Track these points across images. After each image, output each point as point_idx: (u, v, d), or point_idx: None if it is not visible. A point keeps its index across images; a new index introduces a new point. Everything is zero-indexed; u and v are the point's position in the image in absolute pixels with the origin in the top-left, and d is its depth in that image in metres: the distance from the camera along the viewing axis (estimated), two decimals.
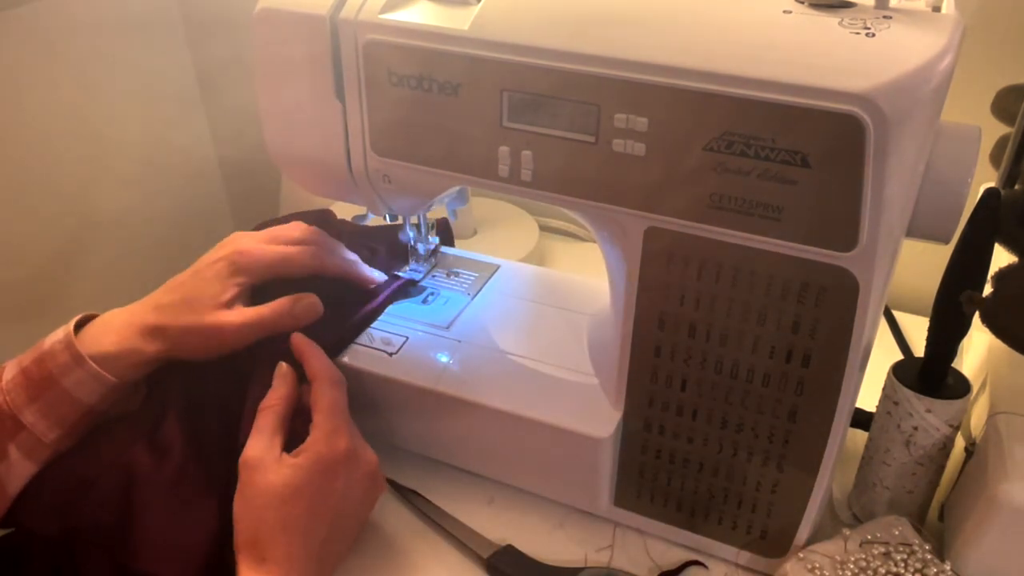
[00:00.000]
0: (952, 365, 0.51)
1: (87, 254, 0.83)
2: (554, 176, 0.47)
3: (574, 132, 0.44)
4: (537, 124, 0.45)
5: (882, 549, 0.49)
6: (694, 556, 0.56)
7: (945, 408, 0.50)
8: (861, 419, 0.56)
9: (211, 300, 0.54)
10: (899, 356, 0.62)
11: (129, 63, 0.84)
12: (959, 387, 0.51)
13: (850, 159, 0.39)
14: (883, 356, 0.54)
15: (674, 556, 0.56)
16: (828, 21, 0.40)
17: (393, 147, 0.50)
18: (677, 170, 0.43)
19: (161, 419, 0.54)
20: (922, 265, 0.59)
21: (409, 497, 0.60)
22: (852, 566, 0.49)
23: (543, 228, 0.89)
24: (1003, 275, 0.47)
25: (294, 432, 0.52)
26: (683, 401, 0.51)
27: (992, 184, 0.50)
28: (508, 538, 0.56)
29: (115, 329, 0.54)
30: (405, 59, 0.47)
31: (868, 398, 0.52)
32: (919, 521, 0.53)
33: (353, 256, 0.63)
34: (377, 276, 0.63)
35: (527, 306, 0.64)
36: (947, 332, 0.50)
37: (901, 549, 0.49)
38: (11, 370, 0.52)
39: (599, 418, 0.53)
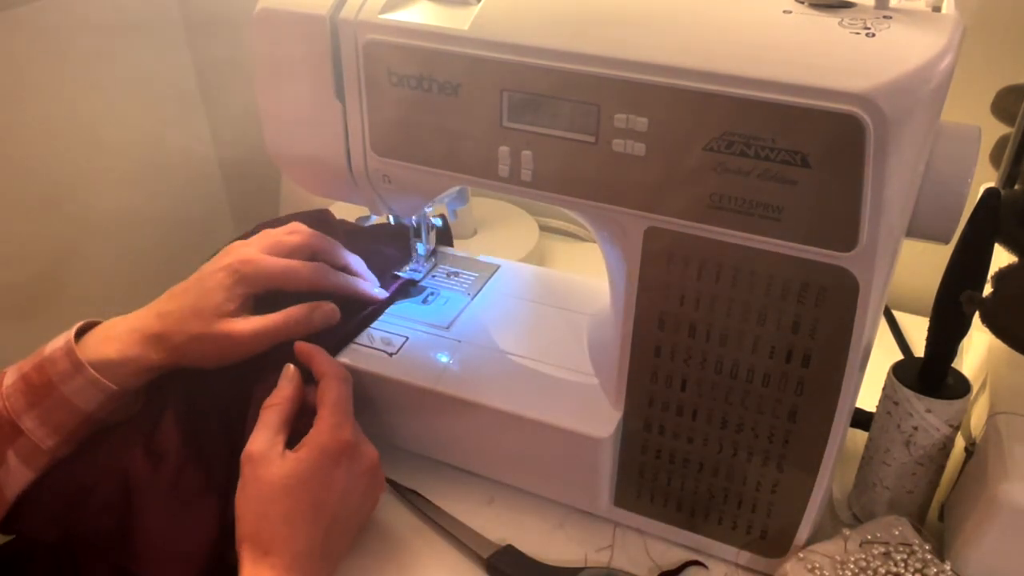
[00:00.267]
0: (952, 365, 0.51)
1: (87, 254, 0.83)
2: (554, 176, 0.47)
3: (574, 132, 0.44)
4: (537, 124, 0.45)
5: (882, 549, 0.49)
6: (694, 556, 0.56)
7: (945, 408, 0.50)
8: (861, 419, 0.56)
9: (216, 309, 0.54)
10: (899, 356, 0.62)
11: (129, 63, 0.84)
12: (959, 387, 0.51)
13: (850, 159, 0.39)
14: (883, 356, 0.54)
15: (674, 556, 0.56)
16: (828, 21, 0.40)
17: (393, 147, 0.50)
18: (677, 170, 0.43)
19: (158, 423, 0.54)
20: (922, 265, 0.59)
21: (409, 497, 0.60)
22: (852, 566, 0.49)
23: (543, 228, 0.89)
24: (1003, 275, 0.47)
25: (297, 432, 0.52)
26: (683, 401, 0.51)
27: (992, 184, 0.50)
28: (508, 538, 0.56)
29: (117, 336, 0.54)
30: (405, 59, 0.47)
31: (868, 398, 0.52)
32: (919, 521, 0.53)
33: (357, 266, 0.63)
34: (378, 294, 0.63)
35: (527, 306, 0.64)
36: (947, 332, 0.50)
37: (901, 549, 0.49)
38: (11, 375, 0.52)
39: (599, 418, 0.53)
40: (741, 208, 0.42)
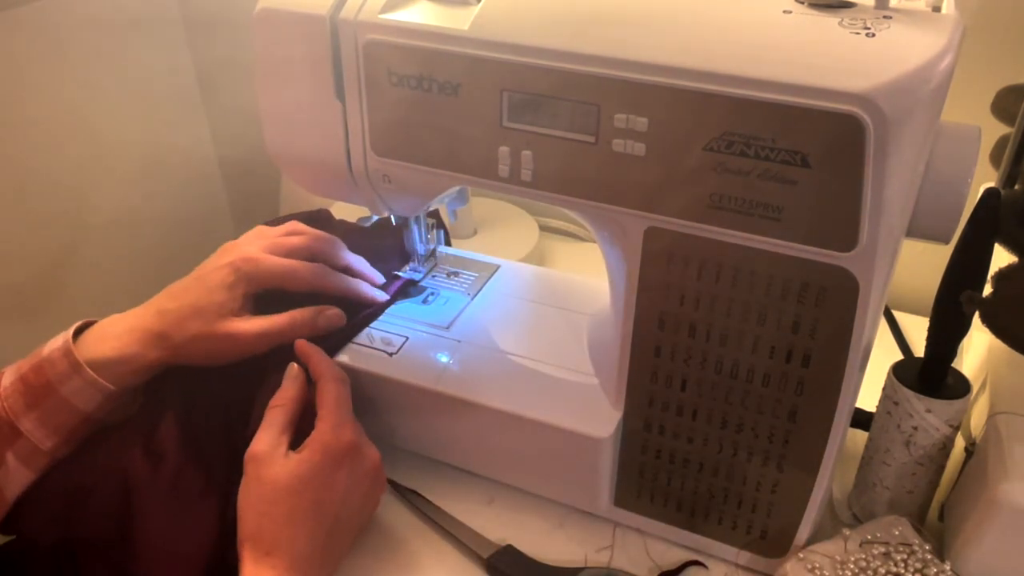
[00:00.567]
0: (952, 365, 0.51)
1: (86, 254, 0.83)
2: (554, 176, 0.47)
3: (574, 132, 0.44)
4: (537, 124, 0.45)
5: (882, 549, 0.49)
6: (694, 556, 0.56)
7: (945, 408, 0.50)
8: (861, 419, 0.56)
9: (219, 308, 0.54)
10: (899, 356, 0.62)
11: (129, 63, 0.84)
12: (959, 387, 0.51)
13: (850, 159, 0.39)
14: (883, 356, 0.54)
15: (674, 556, 0.56)
16: (828, 21, 0.40)
17: (393, 147, 0.50)
18: (677, 170, 0.43)
19: (158, 423, 0.54)
20: (922, 265, 0.59)
21: (409, 497, 0.60)
22: (852, 566, 0.49)
23: (543, 228, 0.89)
24: (1003, 275, 0.47)
25: (300, 432, 0.52)
26: (683, 401, 0.51)
27: (992, 184, 0.50)
28: (508, 538, 0.56)
29: (115, 335, 0.53)
30: (405, 59, 0.47)
31: (868, 398, 0.52)
32: (919, 521, 0.53)
33: (359, 266, 0.63)
34: (378, 295, 0.63)
35: (527, 306, 0.64)
36: (947, 332, 0.50)
37: (901, 549, 0.49)
38: (9, 376, 0.52)
39: (599, 418, 0.53)
40: (741, 208, 0.42)
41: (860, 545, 0.50)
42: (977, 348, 0.61)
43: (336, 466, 0.50)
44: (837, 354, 0.45)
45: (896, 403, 0.51)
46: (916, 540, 0.50)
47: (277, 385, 0.54)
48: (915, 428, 0.50)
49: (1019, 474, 0.46)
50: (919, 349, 0.55)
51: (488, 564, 0.55)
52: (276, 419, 0.51)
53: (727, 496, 0.53)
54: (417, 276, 0.66)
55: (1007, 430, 0.49)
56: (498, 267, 0.68)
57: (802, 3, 0.42)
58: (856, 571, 0.48)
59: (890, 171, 0.39)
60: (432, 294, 0.65)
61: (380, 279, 0.64)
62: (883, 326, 0.74)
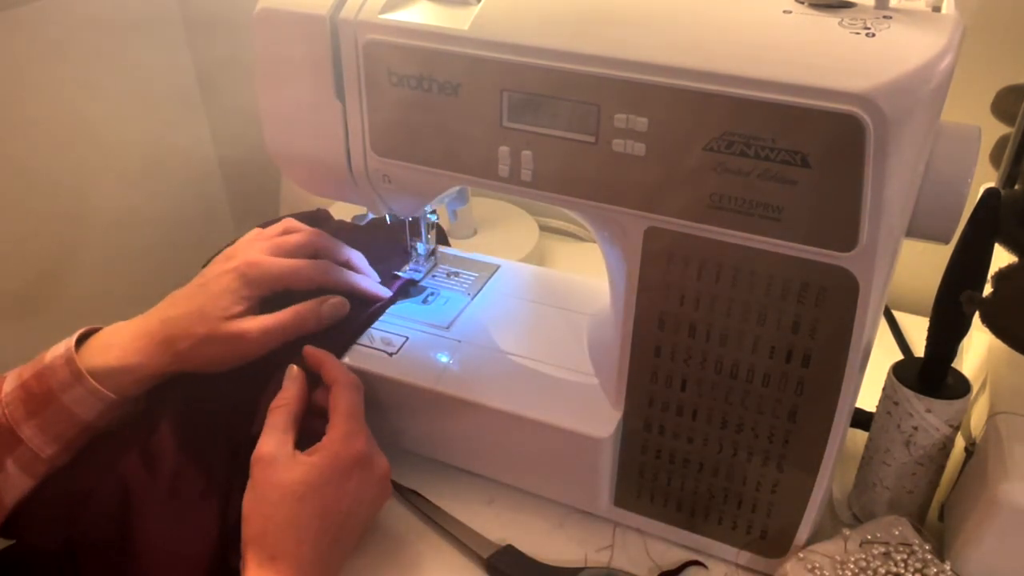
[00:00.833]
0: (952, 365, 0.51)
1: (86, 254, 0.83)
2: (554, 176, 0.47)
3: (574, 132, 0.44)
4: (537, 124, 0.45)
5: (882, 549, 0.49)
6: (694, 556, 0.56)
7: (945, 408, 0.50)
8: (861, 419, 0.56)
9: (223, 312, 0.54)
10: (899, 356, 0.62)
11: (129, 63, 0.84)
12: (959, 387, 0.51)
13: (850, 159, 0.39)
14: (883, 356, 0.54)
15: (674, 556, 0.56)
16: (828, 21, 0.40)
17: (393, 147, 0.50)
18: (677, 170, 0.43)
19: (156, 425, 0.54)
20: (922, 265, 0.59)
21: (409, 497, 0.60)
22: (852, 566, 0.49)
23: (543, 228, 0.89)
24: (1003, 275, 0.47)
25: (312, 432, 0.52)
26: (683, 401, 0.51)
27: (992, 184, 0.50)
28: (508, 538, 0.56)
29: (119, 343, 0.53)
30: (405, 59, 0.47)
31: (868, 398, 0.52)
32: (919, 521, 0.53)
33: (360, 263, 0.63)
34: (382, 292, 0.63)
35: (527, 306, 0.64)
36: (947, 332, 0.50)
37: (901, 549, 0.49)
38: (11, 382, 0.52)
39: (599, 418, 0.53)
40: (741, 208, 0.42)
41: (860, 545, 0.50)
42: (977, 348, 0.61)
43: (346, 476, 0.50)
44: (837, 354, 0.45)
45: (896, 403, 0.51)
46: (916, 540, 0.50)
47: (279, 386, 0.54)
48: (915, 428, 0.50)
49: (1019, 474, 0.46)
50: (919, 349, 0.55)
51: (488, 564, 0.55)
52: (279, 420, 0.51)
53: (727, 496, 0.53)
54: (417, 276, 0.66)
55: (1007, 430, 0.49)
56: (498, 267, 0.68)
57: (802, 3, 0.42)
58: (856, 571, 0.48)
59: (890, 171, 0.39)
60: (432, 294, 0.65)
61: (377, 277, 0.64)
62: (883, 326, 0.74)
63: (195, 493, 0.52)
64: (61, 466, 0.53)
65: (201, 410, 0.55)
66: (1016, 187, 0.53)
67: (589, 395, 0.55)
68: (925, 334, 0.51)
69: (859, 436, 0.56)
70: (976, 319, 0.48)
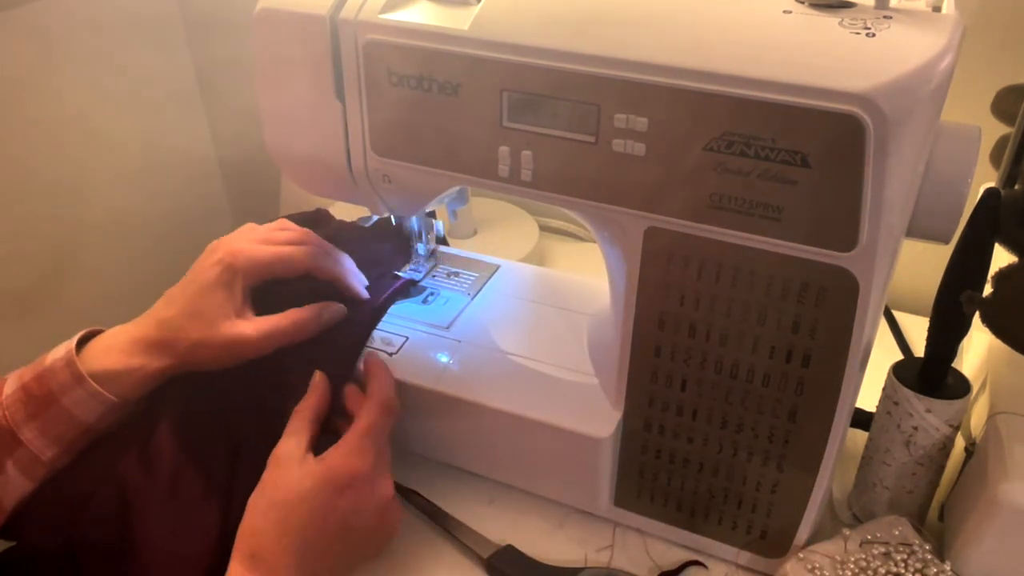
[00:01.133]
0: (952, 365, 0.51)
1: (86, 254, 0.83)
2: (554, 176, 0.47)
3: (574, 132, 0.44)
4: (537, 124, 0.45)
5: (882, 549, 0.49)
6: (694, 556, 0.56)
7: (945, 408, 0.50)
8: (861, 419, 0.56)
9: (219, 309, 0.53)
10: (899, 356, 0.62)
11: (129, 63, 0.84)
12: (959, 387, 0.51)
13: (850, 159, 0.39)
14: (883, 356, 0.54)
15: (674, 556, 0.56)
16: (828, 21, 0.40)
17: (393, 147, 0.50)
18: (677, 170, 0.43)
19: (155, 426, 0.54)
20: (922, 265, 0.59)
21: (409, 497, 0.60)
22: (852, 566, 0.49)
23: (543, 228, 0.89)
24: (1003, 275, 0.47)
25: (336, 433, 0.52)
26: (683, 401, 0.51)
27: (992, 184, 0.50)
28: (508, 538, 0.56)
29: (118, 346, 0.53)
30: (405, 59, 0.47)
31: (868, 398, 0.52)
32: (919, 521, 0.53)
33: (347, 261, 0.62)
34: (364, 293, 0.61)
35: (527, 306, 0.64)
36: (947, 332, 0.50)
37: (901, 549, 0.49)
38: (11, 384, 0.52)
39: (599, 418, 0.53)
40: (741, 208, 0.42)
41: (860, 545, 0.50)
42: (977, 348, 0.61)
43: (336, 492, 0.49)
44: (837, 354, 0.45)
45: (896, 403, 0.51)
46: (916, 540, 0.50)
47: (304, 386, 0.54)
48: (915, 428, 0.50)
49: (1019, 474, 0.46)
50: (919, 349, 0.55)
51: (488, 564, 0.55)
52: (297, 424, 0.51)
53: (727, 496, 0.53)
54: (417, 276, 0.66)
55: (1007, 430, 0.49)
56: (498, 267, 0.68)
57: (802, 3, 0.42)
58: (856, 571, 0.48)
59: (890, 171, 0.39)
60: (432, 294, 0.65)
61: (365, 281, 0.63)
62: (883, 326, 0.74)
63: (195, 493, 0.52)
64: (61, 468, 0.53)
65: (201, 410, 0.55)
66: (1016, 187, 0.53)
67: (589, 395, 0.55)
68: (925, 334, 0.51)
69: (859, 436, 0.56)
70: (976, 319, 0.48)
